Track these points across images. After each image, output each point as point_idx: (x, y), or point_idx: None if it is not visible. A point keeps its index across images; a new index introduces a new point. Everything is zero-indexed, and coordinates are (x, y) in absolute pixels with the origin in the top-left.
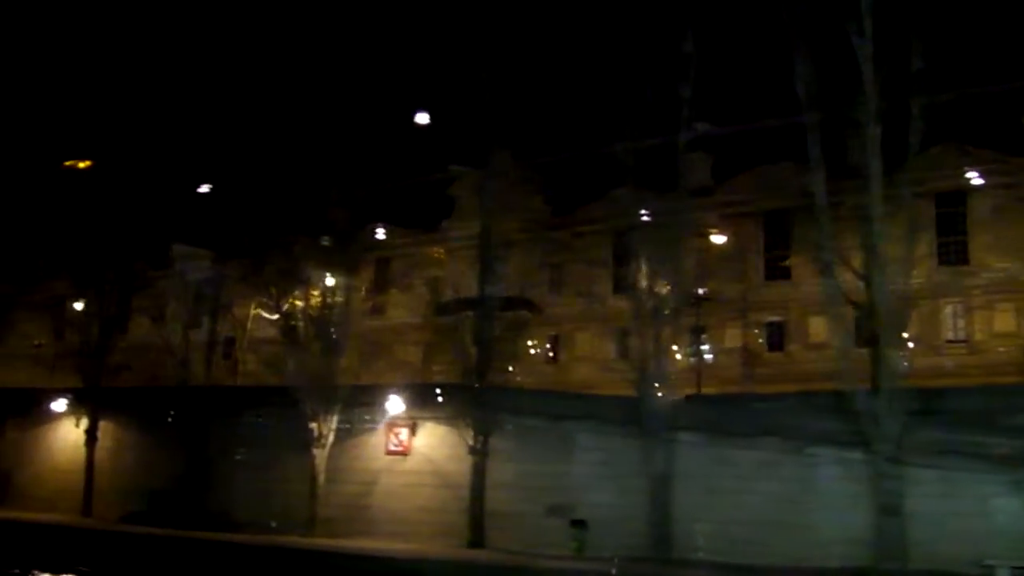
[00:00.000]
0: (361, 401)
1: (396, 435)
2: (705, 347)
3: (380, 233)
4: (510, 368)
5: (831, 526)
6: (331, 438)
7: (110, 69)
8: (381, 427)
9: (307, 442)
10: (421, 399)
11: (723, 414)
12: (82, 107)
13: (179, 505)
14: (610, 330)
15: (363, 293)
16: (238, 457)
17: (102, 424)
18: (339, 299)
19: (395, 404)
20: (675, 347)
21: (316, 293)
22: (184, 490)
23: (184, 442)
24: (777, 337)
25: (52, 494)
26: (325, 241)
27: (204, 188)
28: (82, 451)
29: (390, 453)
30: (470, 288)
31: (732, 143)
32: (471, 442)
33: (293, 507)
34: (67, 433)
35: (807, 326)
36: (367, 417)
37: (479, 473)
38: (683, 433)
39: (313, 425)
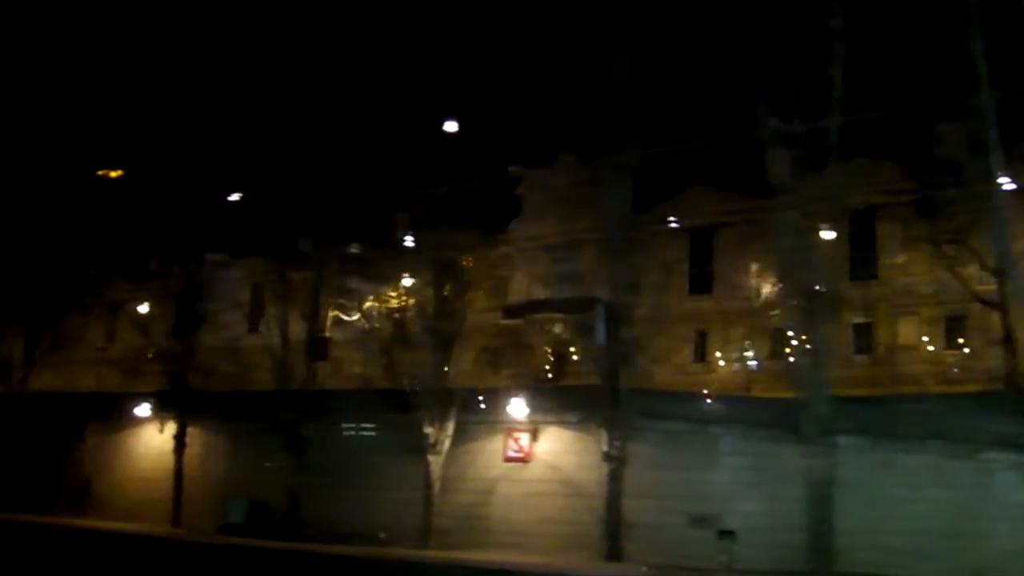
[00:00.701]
0: (477, 405)
1: (515, 440)
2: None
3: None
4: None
5: (1012, 537)
6: (447, 444)
7: (157, 78)
8: (498, 432)
9: (421, 448)
10: (543, 402)
11: (884, 416)
12: (131, 114)
13: (280, 515)
14: (687, 332)
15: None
16: (342, 464)
17: (189, 430)
18: (447, 295)
19: (517, 408)
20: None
21: (396, 294)
22: (285, 499)
23: (283, 449)
24: (863, 339)
25: (135, 503)
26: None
27: (234, 196)
28: (166, 458)
29: (509, 460)
30: (538, 290)
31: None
32: (606, 447)
33: (403, 517)
34: (150, 439)
35: (896, 327)
36: (482, 421)
37: (615, 481)
38: (842, 437)
39: (428, 430)
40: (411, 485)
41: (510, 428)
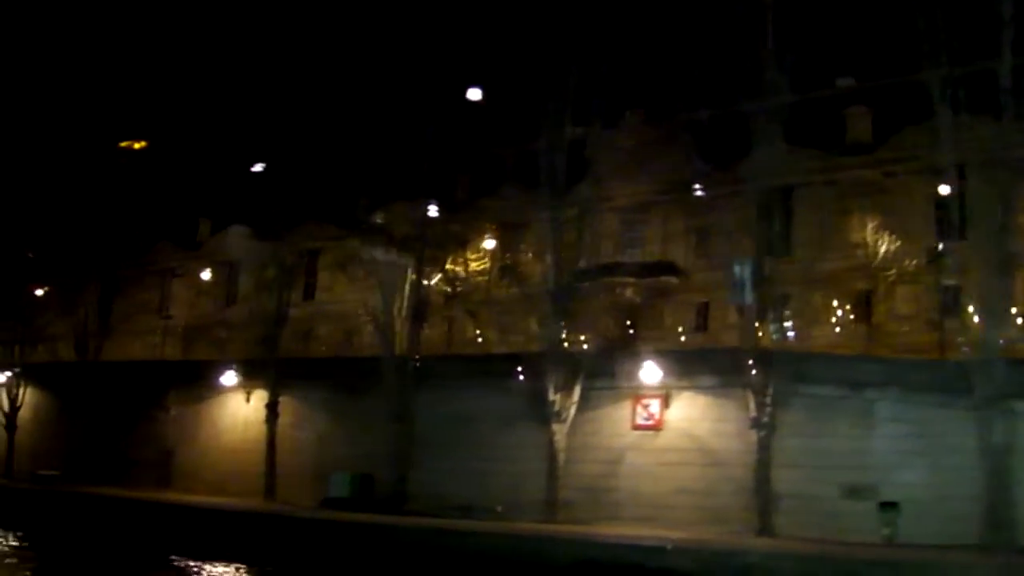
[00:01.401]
0: (604, 370)
1: (645, 407)
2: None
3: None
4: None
5: None
6: (572, 412)
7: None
8: (625, 399)
9: (543, 416)
10: (676, 366)
11: None
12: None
13: (386, 489)
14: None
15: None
16: (452, 435)
17: (280, 398)
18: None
19: (649, 372)
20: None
21: (477, 256)
22: (388, 472)
23: (387, 418)
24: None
25: (221, 476)
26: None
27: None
28: (253, 428)
29: (638, 428)
30: (607, 253)
31: (892, 97)
32: (754, 414)
33: (520, 490)
34: (236, 408)
35: None
36: (608, 388)
37: (764, 450)
38: (1017, 402)
39: (554, 398)
40: (528, 456)
41: (639, 395)
